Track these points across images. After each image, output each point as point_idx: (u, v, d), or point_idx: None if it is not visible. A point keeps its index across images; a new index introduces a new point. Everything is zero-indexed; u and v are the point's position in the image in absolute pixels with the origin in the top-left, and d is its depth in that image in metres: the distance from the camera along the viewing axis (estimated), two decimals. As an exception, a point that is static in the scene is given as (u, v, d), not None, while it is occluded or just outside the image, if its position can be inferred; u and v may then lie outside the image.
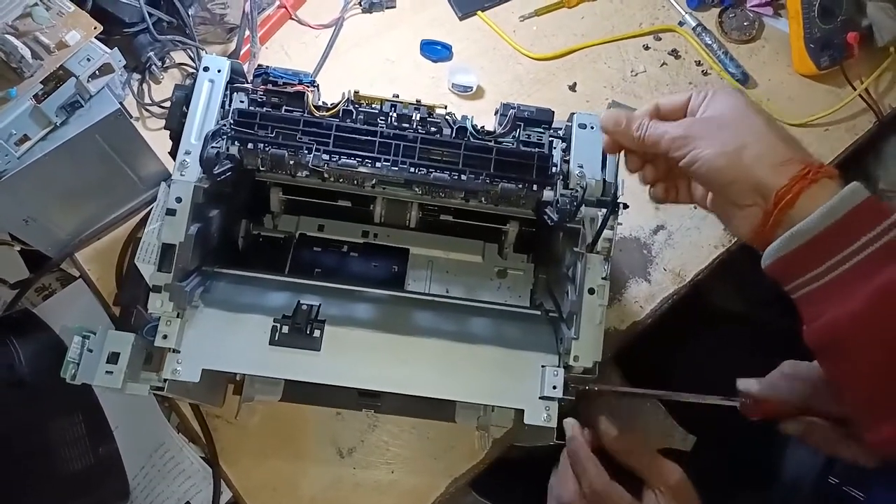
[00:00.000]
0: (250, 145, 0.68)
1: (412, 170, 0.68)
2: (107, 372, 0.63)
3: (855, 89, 1.01)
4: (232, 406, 0.84)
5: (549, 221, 0.68)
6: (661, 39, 1.06)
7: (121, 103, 0.76)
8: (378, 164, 0.68)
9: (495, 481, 0.88)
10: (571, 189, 0.70)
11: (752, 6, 1.06)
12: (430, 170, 0.69)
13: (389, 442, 0.86)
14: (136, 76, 0.97)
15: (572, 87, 1.03)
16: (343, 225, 0.88)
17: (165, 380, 0.65)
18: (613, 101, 1.02)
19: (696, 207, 0.96)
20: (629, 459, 0.63)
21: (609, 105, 1.01)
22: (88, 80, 0.73)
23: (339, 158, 0.68)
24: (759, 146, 0.54)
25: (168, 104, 0.95)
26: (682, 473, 0.62)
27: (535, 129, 0.74)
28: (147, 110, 0.96)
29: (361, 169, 0.68)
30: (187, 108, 0.70)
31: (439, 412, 0.83)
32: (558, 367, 0.68)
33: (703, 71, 1.04)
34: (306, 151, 0.68)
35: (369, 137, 0.69)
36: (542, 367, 0.68)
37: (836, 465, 0.82)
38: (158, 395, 0.72)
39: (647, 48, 1.05)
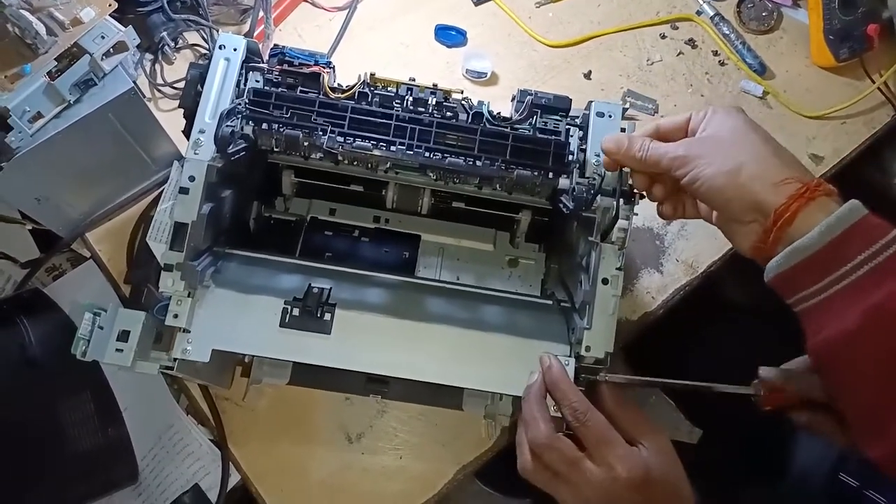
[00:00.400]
0: (265, 125, 0.68)
1: (427, 154, 0.68)
2: (117, 350, 0.63)
3: (874, 82, 1.00)
4: (240, 388, 0.84)
5: (564, 210, 0.67)
6: (677, 28, 1.04)
7: (134, 82, 0.76)
8: (393, 148, 0.67)
9: (500, 470, 0.88)
10: (588, 178, 0.69)
11: (771, -4, 1.05)
12: (446, 155, 0.68)
13: (398, 428, 0.86)
14: (149, 56, 0.96)
15: (587, 75, 1.01)
16: (355, 209, 0.87)
17: (175, 359, 0.65)
18: (628, 90, 1.01)
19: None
20: (618, 411, 0.63)
21: (624, 94, 1.00)
22: (102, 58, 0.72)
23: (354, 141, 0.67)
24: (756, 165, 0.56)
25: (181, 85, 0.95)
26: (666, 434, 0.62)
27: (552, 117, 0.73)
28: (159, 90, 0.95)
29: (376, 152, 0.67)
30: (202, 87, 0.69)
31: (447, 400, 0.82)
32: (569, 356, 0.67)
33: (720, 61, 1.03)
34: (321, 133, 0.67)
35: (384, 120, 0.68)
36: (548, 353, 0.67)
37: (848, 463, 0.82)
38: (167, 375, 0.72)
39: (663, 37, 1.04)
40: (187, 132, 0.69)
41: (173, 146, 0.89)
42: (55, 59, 0.70)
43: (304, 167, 0.79)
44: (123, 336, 0.63)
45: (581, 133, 0.72)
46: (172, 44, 0.95)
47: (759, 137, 0.58)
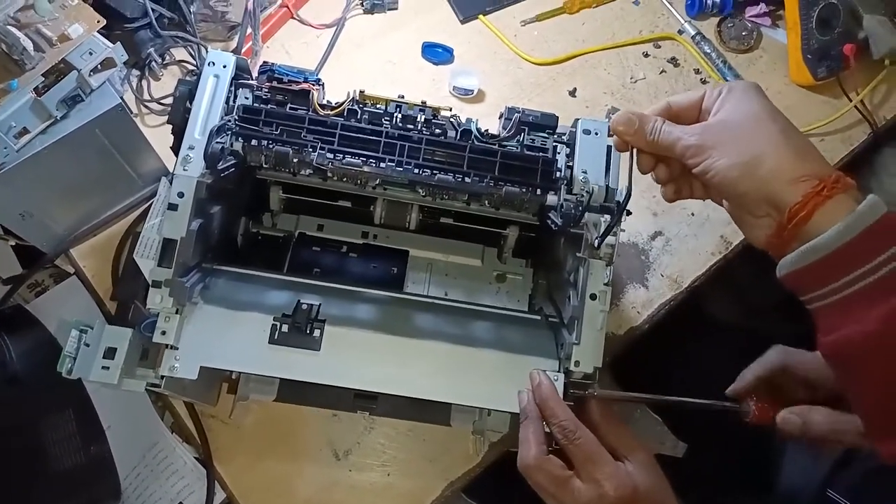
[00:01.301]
0: (254, 142, 0.68)
1: (416, 171, 0.68)
2: (103, 367, 0.62)
3: (850, 100, 1.02)
4: (226, 405, 0.83)
5: (552, 226, 0.68)
6: (660, 47, 1.06)
7: (121, 98, 0.75)
8: (382, 165, 0.68)
9: (488, 485, 0.87)
10: (576, 194, 0.69)
11: (751, 16, 1.07)
12: (435, 171, 0.68)
13: (385, 444, 0.85)
14: (136, 72, 0.96)
15: (572, 93, 1.03)
16: (343, 225, 0.87)
17: (163, 377, 0.64)
18: (612, 107, 1.02)
19: (693, 214, 0.98)
20: (605, 426, 0.63)
21: (608, 111, 1.02)
22: (90, 74, 0.72)
23: (344, 157, 0.67)
24: (773, 160, 0.53)
25: (168, 101, 0.95)
26: (649, 451, 0.63)
27: (540, 134, 0.74)
28: (146, 107, 0.95)
29: (365, 168, 0.68)
30: (191, 104, 0.69)
31: (434, 416, 0.82)
32: (558, 372, 0.67)
33: (701, 79, 1.05)
34: (311, 150, 0.67)
35: (374, 137, 0.68)
36: (538, 370, 0.68)
37: (837, 479, 0.82)
38: (153, 393, 0.71)
39: (646, 55, 1.06)
40: (176, 148, 0.69)
41: (160, 162, 0.89)
42: (42, 74, 0.69)
43: (293, 183, 0.79)
44: (110, 353, 0.63)
45: (568, 150, 0.73)
46: (160, 60, 0.95)
47: (777, 127, 0.55)
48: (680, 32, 1.06)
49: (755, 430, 0.67)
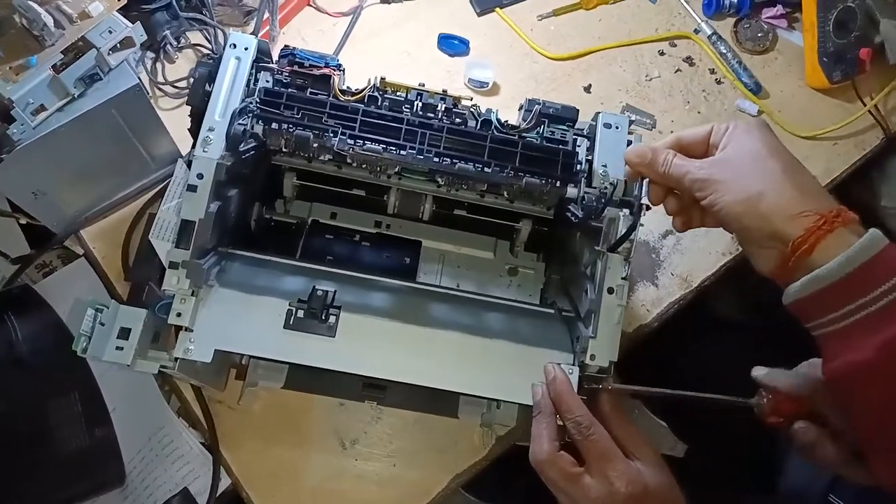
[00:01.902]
0: (274, 125, 0.67)
1: (436, 159, 0.67)
2: (117, 348, 0.62)
3: (865, 105, 1.02)
4: (234, 391, 0.83)
5: (572, 218, 0.67)
6: (676, 46, 1.06)
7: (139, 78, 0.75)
8: (402, 152, 0.67)
9: (487, 479, 0.87)
10: (595, 188, 0.69)
11: (767, 17, 1.06)
12: (455, 160, 0.68)
13: (392, 435, 0.85)
14: (150, 55, 0.95)
15: (587, 89, 1.02)
16: (356, 214, 0.86)
17: (176, 359, 0.63)
18: (627, 104, 1.01)
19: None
20: (616, 422, 0.63)
21: (623, 109, 1.01)
22: (109, 53, 0.71)
23: (364, 143, 0.67)
24: (774, 196, 0.55)
25: (182, 84, 0.94)
26: (657, 449, 0.63)
27: (559, 127, 0.73)
28: (160, 89, 0.94)
29: (385, 155, 0.67)
30: (210, 86, 0.68)
31: (442, 407, 0.81)
32: (573, 365, 0.67)
33: (716, 79, 1.04)
34: (331, 135, 0.66)
35: (395, 124, 0.68)
36: (553, 363, 0.67)
37: (839, 485, 0.82)
38: (162, 375, 0.71)
39: (662, 53, 1.05)
40: (194, 130, 0.68)
41: (173, 145, 0.88)
42: (61, 52, 0.68)
43: (307, 170, 0.78)
44: (124, 334, 0.62)
45: (588, 143, 0.72)
46: (175, 42, 0.94)
47: (779, 165, 0.57)
48: (696, 32, 1.06)
49: (759, 431, 0.67)
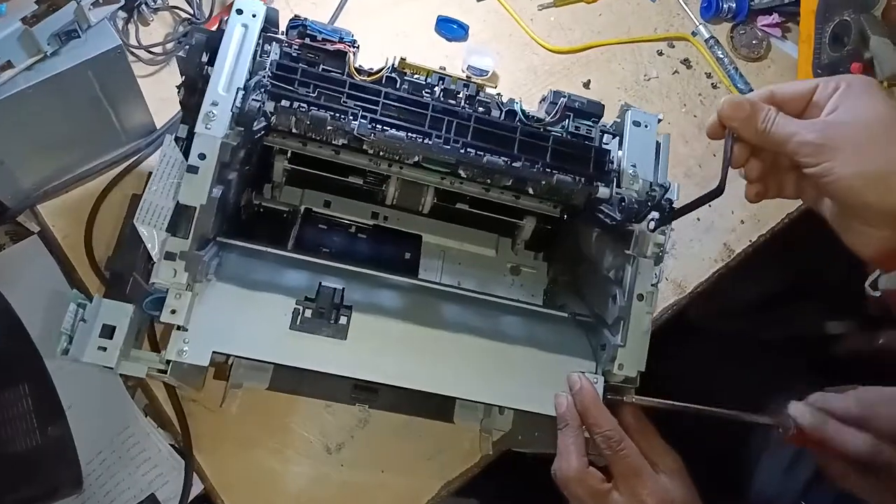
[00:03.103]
0: (285, 102, 0.58)
1: (464, 150, 0.60)
2: (99, 348, 0.53)
3: (852, 119, 1.00)
4: (210, 391, 0.74)
5: (607, 221, 0.62)
6: (674, 47, 1.02)
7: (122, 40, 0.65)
8: (427, 140, 0.60)
9: (480, 488, 0.81)
10: (624, 188, 0.64)
11: (763, 25, 1.03)
12: (483, 152, 0.61)
13: (380, 439, 0.77)
14: (122, 14, 0.84)
15: (586, 85, 0.97)
16: (350, 203, 0.78)
17: (168, 361, 0.55)
18: (625, 103, 0.96)
19: (699, 220, 0.94)
20: (639, 438, 0.60)
21: (621, 107, 0.96)
22: (90, 9, 0.61)
23: (386, 129, 0.59)
24: None
25: (157, 49, 0.84)
26: (677, 457, 0.60)
27: (584, 122, 0.68)
28: (133, 53, 0.83)
29: (408, 143, 0.60)
30: (206, 55, 0.60)
31: (437, 411, 0.75)
32: (597, 374, 0.62)
33: (712, 84, 1.01)
34: (351, 117, 0.58)
35: (419, 110, 0.61)
36: (578, 372, 0.62)
37: (810, 495, 0.81)
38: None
39: (660, 54, 1.01)
40: (188, 103, 0.59)
41: (148, 116, 0.78)
42: (35, 2, 0.58)
43: (301, 153, 0.70)
44: (107, 332, 0.53)
45: (614, 141, 0.68)
46: (152, 2, 0.83)
47: None
48: (694, 34, 1.02)
49: (729, 437, 0.67)
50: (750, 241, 0.93)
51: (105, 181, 0.79)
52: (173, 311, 0.54)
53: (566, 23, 1.00)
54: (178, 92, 0.62)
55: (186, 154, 0.56)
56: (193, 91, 0.60)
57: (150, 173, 0.58)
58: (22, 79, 0.60)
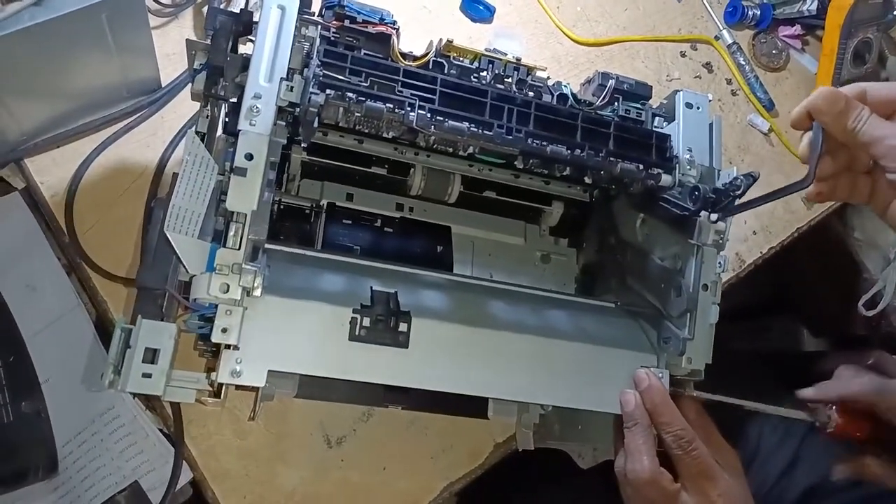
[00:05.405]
0: (335, 94, 0.50)
1: (528, 140, 0.54)
2: (144, 374, 0.46)
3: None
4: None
5: (677, 210, 0.58)
6: (697, 49, 0.97)
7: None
8: (489, 131, 0.53)
9: (485, 490, 0.77)
10: (682, 174, 0.60)
11: (784, 35, 1.00)
12: (547, 142, 0.55)
13: (384, 435, 0.71)
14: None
15: (610, 80, 0.92)
16: (374, 195, 0.71)
17: (220, 385, 0.48)
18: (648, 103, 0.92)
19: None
20: (702, 434, 0.57)
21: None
22: (111, -59, 0.52)
23: (446, 121, 0.52)
24: None
25: (167, 2, 0.74)
26: (738, 457, 0.59)
27: (633, 105, 0.64)
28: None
29: (470, 135, 0.53)
30: (231, 40, 0.52)
31: (470, 407, 0.69)
32: (661, 368, 0.59)
33: (732, 90, 0.97)
34: (409, 108, 0.51)
35: (477, 97, 0.54)
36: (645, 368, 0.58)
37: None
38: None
39: (683, 55, 0.96)
40: (209, 94, 0.53)
41: (156, 71, 0.69)
42: (50, -72, 0.49)
43: (321, 144, 0.64)
44: (150, 356, 0.46)
45: (666, 125, 0.64)
46: (164, -54, 0.73)
47: None
48: (717, 38, 0.98)
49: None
50: (761, 252, 0.90)
51: (96, 140, 0.70)
52: (224, 330, 0.47)
53: (592, 14, 0.94)
54: (192, 80, 0.54)
55: (210, 150, 0.49)
56: (218, 78, 0.52)
57: (175, 174, 0.50)
58: (27, 15, 0.51)
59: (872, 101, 0.50)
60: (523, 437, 0.69)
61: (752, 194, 0.55)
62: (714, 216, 0.57)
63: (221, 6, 0.71)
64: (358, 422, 0.71)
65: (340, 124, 0.52)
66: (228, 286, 0.46)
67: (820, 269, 1.12)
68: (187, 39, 0.56)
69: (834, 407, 0.61)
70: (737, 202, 0.56)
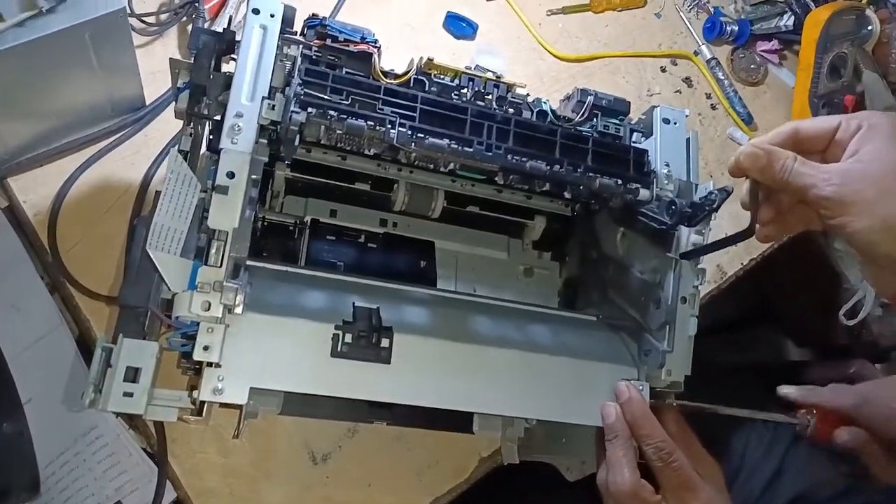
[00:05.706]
0: (315, 111, 0.51)
1: (508, 156, 0.55)
2: (125, 393, 0.46)
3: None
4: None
5: (655, 224, 0.58)
6: (677, 64, 0.99)
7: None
8: (469, 148, 0.54)
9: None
10: (660, 189, 0.61)
11: (762, 50, 1.02)
12: (526, 158, 0.56)
13: (369, 452, 0.71)
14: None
15: (591, 96, 0.93)
16: (357, 211, 0.71)
17: (202, 402, 0.48)
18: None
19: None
20: (682, 445, 0.57)
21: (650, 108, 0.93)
22: (94, -37, 0.52)
23: (426, 138, 0.53)
24: None
25: (151, 20, 0.75)
26: (718, 467, 0.59)
27: (611, 120, 0.65)
28: (122, 19, 0.73)
29: (450, 152, 0.54)
30: (214, 59, 0.53)
31: (455, 422, 0.69)
32: (640, 381, 0.59)
33: (711, 104, 0.98)
34: (389, 126, 0.52)
35: (457, 115, 0.55)
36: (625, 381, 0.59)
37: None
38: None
39: (663, 70, 0.98)
40: (192, 113, 0.53)
41: (140, 89, 0.69)
42: (33, -50, 0.49)
43: (304, 161, 0.65)
44: (131, 375, 0.46)
45: (644, 140, 0.65)
46: (148, -34, 0.74)
47: None
48: (696, 53, 0.99)
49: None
50: (742, 263, 0.91)
51: (80, 158, 0.70)
52: (206, 348, 0.47)
53: (574, 31, 0.95)
54: (175, 98, 0.55)
55: (193, 168, 0.50)
56: (200, 97, 0.53)
57: (158, 192, 0.50)
58: (11, 35, 0.51)
59: (805, 137, 0.51)
60: (508, 451, 0.69)
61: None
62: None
63: (205, 25, 0.72)
64: (343, 438, 0.71)
65: (322, 142, 0.53)
66: (210, 304, 0.46)
67: (801, 279, 1.13)
68: (171, 58, 0.56)
69: (814, 410, 0.61)
70: (691, 258, 0.59)
